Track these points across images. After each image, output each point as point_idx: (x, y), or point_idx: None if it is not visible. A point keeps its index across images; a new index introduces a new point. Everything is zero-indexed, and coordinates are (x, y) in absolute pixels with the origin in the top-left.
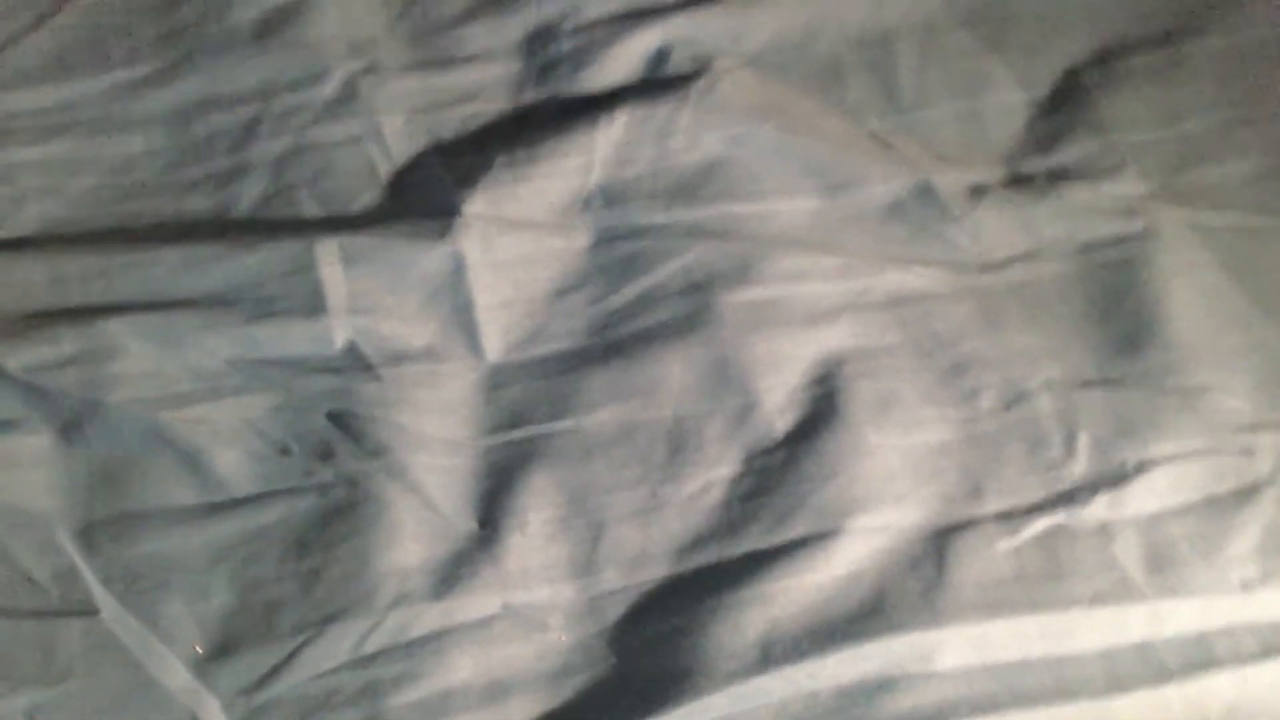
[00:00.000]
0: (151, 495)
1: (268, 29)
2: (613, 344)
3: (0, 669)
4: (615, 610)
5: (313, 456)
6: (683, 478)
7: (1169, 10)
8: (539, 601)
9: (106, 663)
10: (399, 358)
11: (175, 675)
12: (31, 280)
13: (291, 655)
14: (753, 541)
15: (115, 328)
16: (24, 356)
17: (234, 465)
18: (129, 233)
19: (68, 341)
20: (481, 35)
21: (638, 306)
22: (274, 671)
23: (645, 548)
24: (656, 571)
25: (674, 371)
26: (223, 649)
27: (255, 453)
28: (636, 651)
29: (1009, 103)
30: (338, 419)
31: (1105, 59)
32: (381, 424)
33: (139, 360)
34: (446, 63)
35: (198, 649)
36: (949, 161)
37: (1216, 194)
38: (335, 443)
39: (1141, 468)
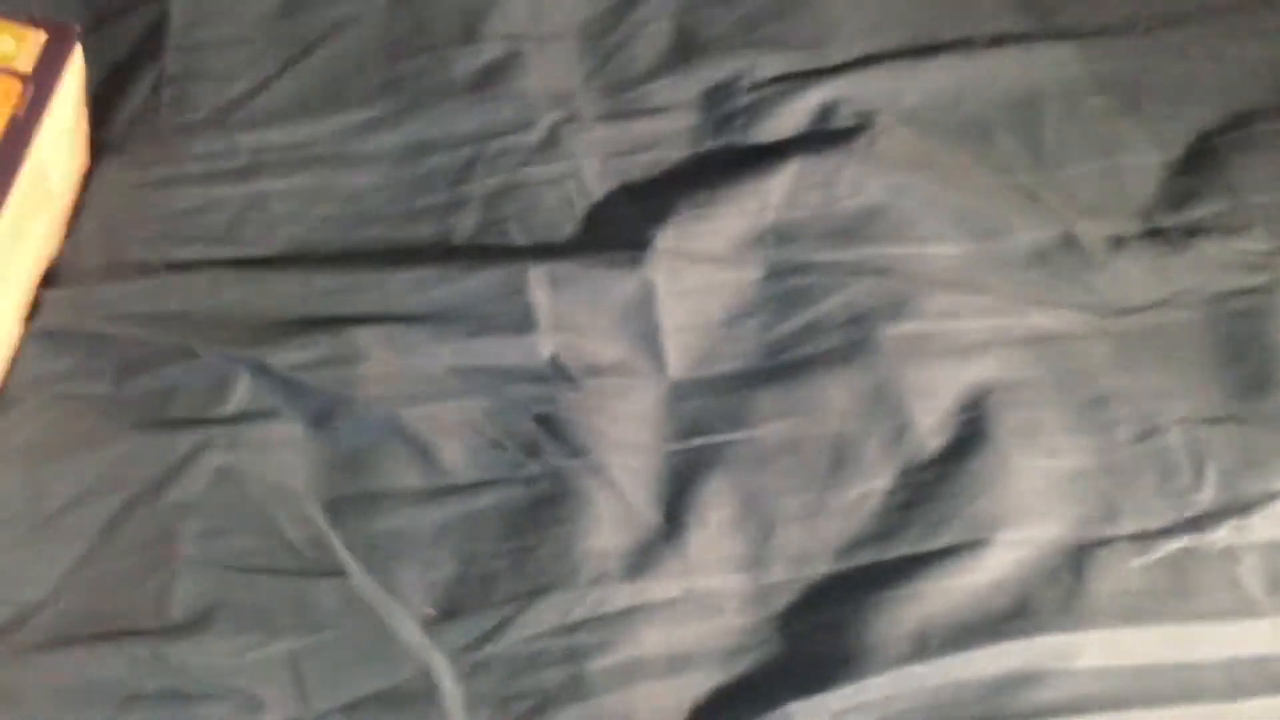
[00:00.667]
0: (387, 478)
1: (482, 81)
2: (781, 367)
3: (266, 619)
4: (783, 600)
5: (522, 452)
6: (843, 487)
7: None
8: (716, 588)
9: (353, 617)
10: (595, 371)
11: (410, 632)
12: (286, 293)
13: (506, 621)
14: (907, 547)
15: (359, 336)
16: (284, 357)
17: (456, 456)
18: (364, 255)
19: (320, 346)
20: (666, 90)
21: (804, 335)
22: (491, 634)
23: (809, 546)
24: (819, 568)
25: (836, 394)
26: (448, 612)
27: (474, 447)
28: (802, 637)
29: (1145, 163)
30: (543, 421)
31: (1235, 124)
32: (581, 427)
33: (379, 364)
34: (635, 114)
35: (428, 611)
36: (1090, 214)
37: None
38: (541, 442)
39: (1265, 499)
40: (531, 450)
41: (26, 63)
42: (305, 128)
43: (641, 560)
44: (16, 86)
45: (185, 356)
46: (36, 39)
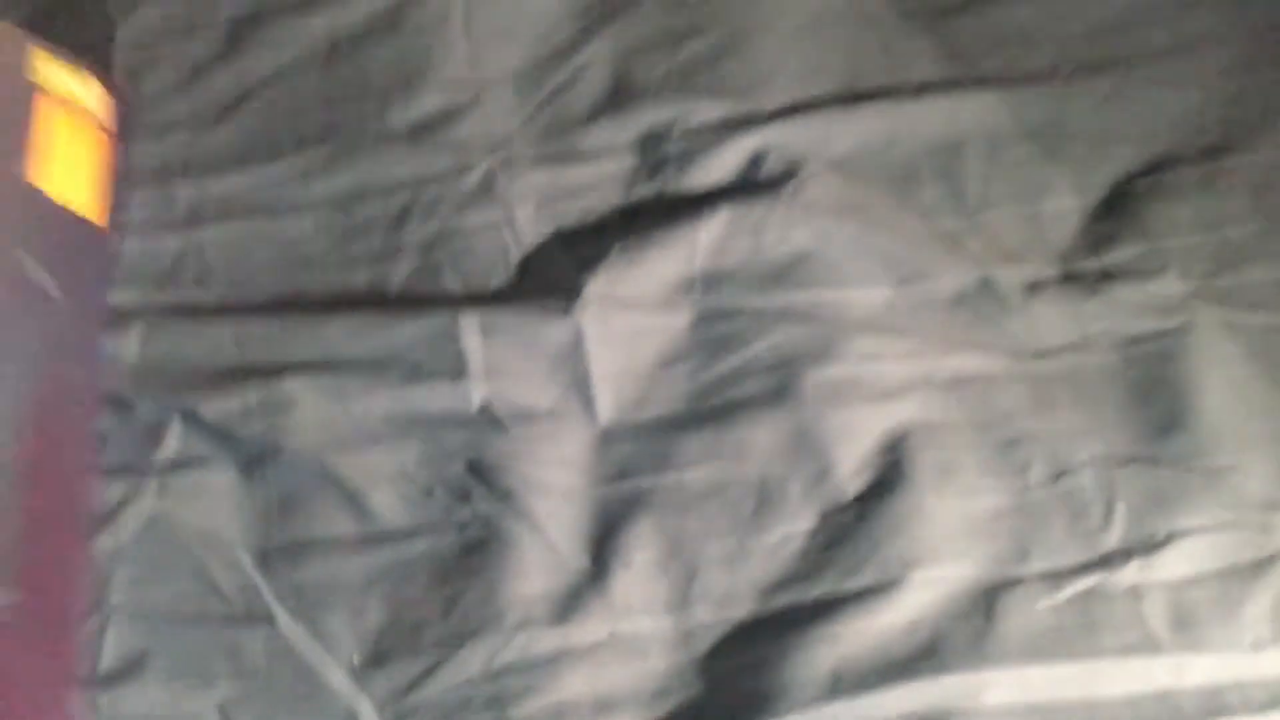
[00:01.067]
0: (318, 526)
1: (419, 127)
2: (708, 411)
3: (196, 667)
4: (706, 642)
5: (453, 498)
6: (766, 529)
7: (1213, 128)
8: (641, 631)
9: (283, 665)
10: (526, 417)
11: (338, 679)
12: (220, 341)
13: (433, 667)
14: (826, 587)
15: (292, 384)
16: (216, 405)
17: (387, 503)
18: (300, 303)
19: (253, 394)
20: (600, 136)
21: (731, 379)
22: (418, 681)
23: (732, 588)
24: (742, 610)
25: (761, 437)
26: (376, 659)
27: (405, 493)
28: (724, 678)
29: (1065, 208)
30: (474, 467)
31: (1153, 171)
32: (510, 473)
33: (311, 412)
34: (570, 159)
35: (354, 659)
36: (1009, 259)
37: (1249, 295)
38: (471, 487)
39: (1170, 537)
40: (462, 496)
41: (101, 111)
42: (243, 176)
43: (567, 604)
44: (107, 141)
45: (118, 404)
46: (92, 82)
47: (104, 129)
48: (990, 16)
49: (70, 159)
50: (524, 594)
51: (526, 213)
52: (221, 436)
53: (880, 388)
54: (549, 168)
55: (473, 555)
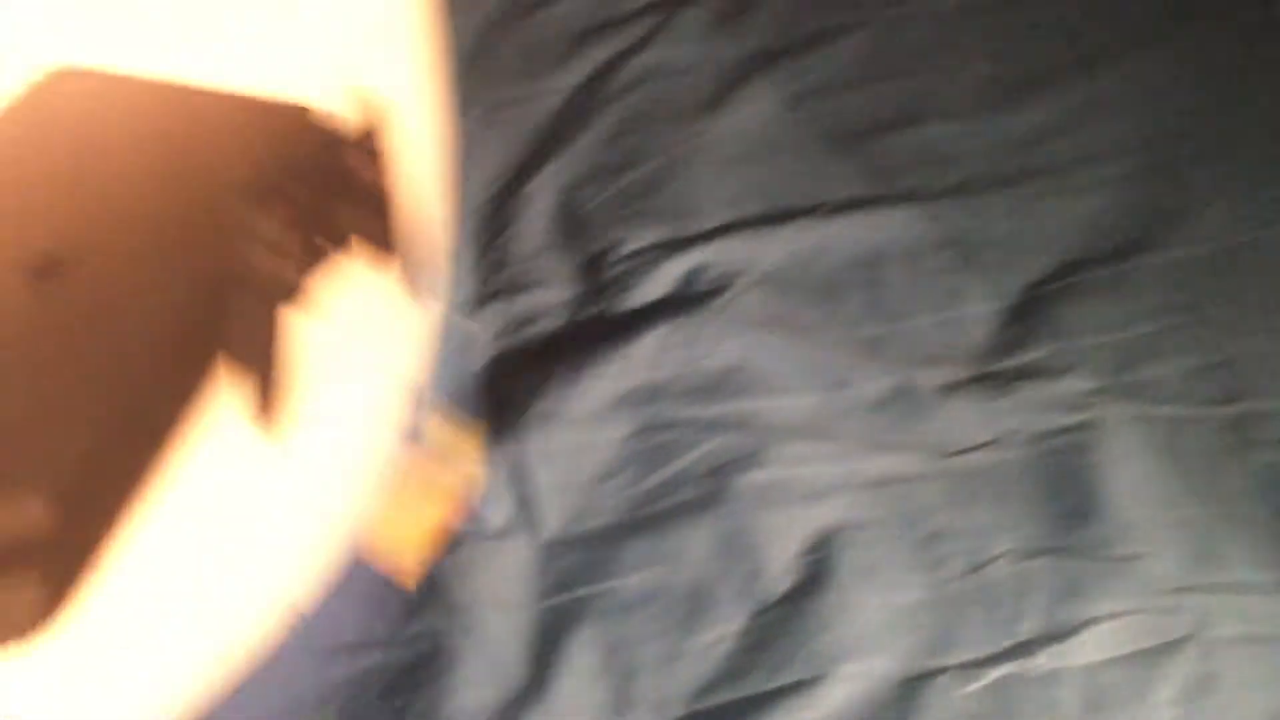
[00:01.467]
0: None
1: None
2: (645, 519)
3: None
4: None
5: (405, 613)
6: (699, 631)
7: (1119, 231)
8: None
9: None
10: (476, 533)
11: None
12: None
13: None
14: (756, 685)
15: None
16: None
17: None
18: None
19: None
20: (547, 266)
21: (667, 488)
22: None
23: (668, 691)
24: (677, 710)
25: (695, 542)
26: None
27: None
28: None
29: (979, 313)
30: (427, 583)
31: (1062, 274)
32: (459, 588)
33: None
34: (520, 289)
35: None
36: (927, 362)
37: (1154, 390)
38: (424, 603)
39: (1082, 625)
40: (414, 611)
41: (468, 483)
42: None
43: (511, 713)
44: (455, 512)
45: None
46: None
47: (461, 499)
48: (907, 138)
49: (415, 515)
50: (470, 704)
51: (483, 340)
52: None
53: (808, 490)
54: (501, 299)
55: (421, 668)
